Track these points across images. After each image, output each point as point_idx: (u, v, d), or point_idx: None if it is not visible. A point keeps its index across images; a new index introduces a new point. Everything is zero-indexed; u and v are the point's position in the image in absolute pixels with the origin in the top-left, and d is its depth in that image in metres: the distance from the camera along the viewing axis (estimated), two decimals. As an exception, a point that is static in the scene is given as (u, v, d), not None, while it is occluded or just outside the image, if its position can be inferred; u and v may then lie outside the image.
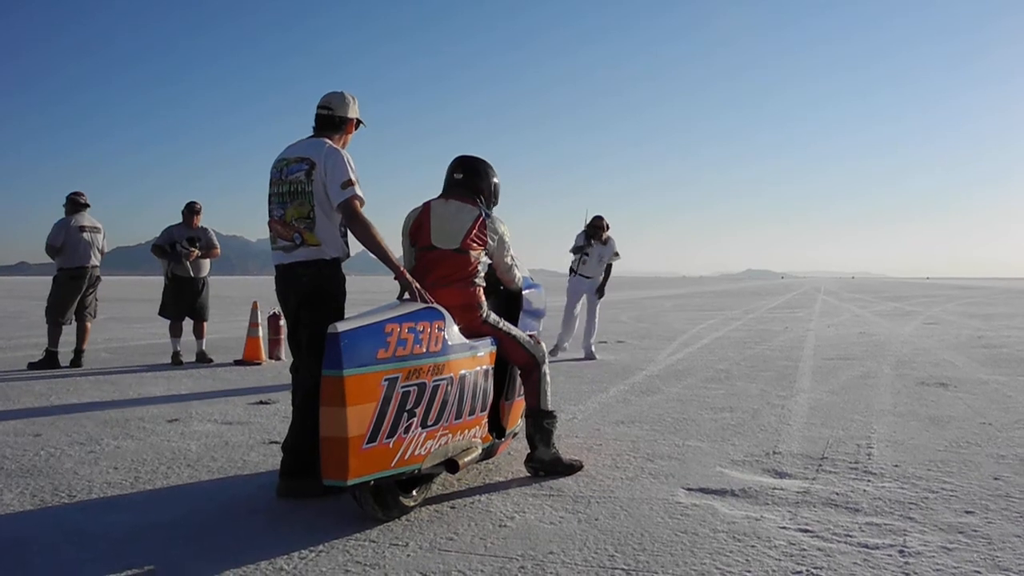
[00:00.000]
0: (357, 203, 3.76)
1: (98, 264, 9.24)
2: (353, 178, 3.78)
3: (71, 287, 8.99)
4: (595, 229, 10.22)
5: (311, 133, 4.04)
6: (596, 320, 10.25)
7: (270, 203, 3.99)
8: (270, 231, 4.00)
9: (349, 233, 3.95)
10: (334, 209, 3.80)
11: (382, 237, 3.79)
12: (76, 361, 8.98)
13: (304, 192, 3.83)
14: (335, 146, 3.91)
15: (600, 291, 10.32)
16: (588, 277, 10.28)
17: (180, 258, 9.24)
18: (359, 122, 4.18)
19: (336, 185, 3.75)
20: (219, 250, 9.74)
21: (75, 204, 9.10)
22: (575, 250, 10.40)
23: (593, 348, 10.05)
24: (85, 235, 9.03)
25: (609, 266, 10.36)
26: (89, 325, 9.28)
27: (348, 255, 3.99)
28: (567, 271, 10.56)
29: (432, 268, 3.92)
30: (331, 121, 4.03)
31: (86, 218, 9.14)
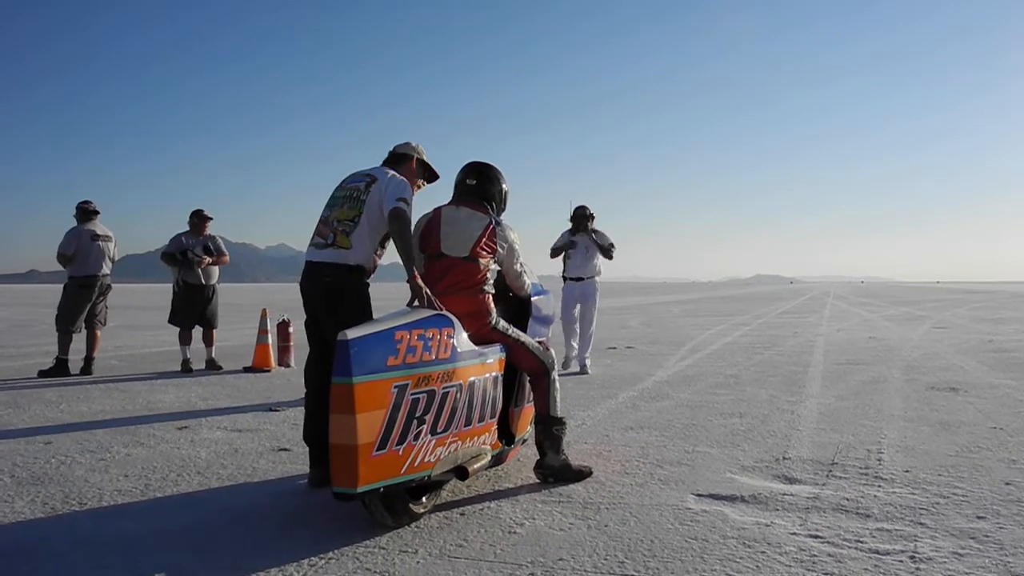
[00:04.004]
0: (408, 211, 3.94)
1: (109, 273, 9.27)
2: (409, 201, 3.97)
3: (82, 295, 9.02)
4: (579, 219, 9.21)
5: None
6: (592, 330, 9.30)
7: (323, 211, 4.21)
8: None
9: (380, 252, 4.19)
10: (384, 215, 3.94)
11: (413, 246, 3.91)
12: (86, 369, 9.02)
13: (358, 199, 4.05)
14: (401, 176, 4.16)
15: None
16: (579, 279, 9.24)
17: (191, 265, 9.27)
18: (427, 168, 4.49)
19: (393, 197, 3.93)
20: (228, 257, 9.78)
21: (85, 212, 9.14)
22: (557, 250, 9.36)
23: (588, 362, 9.13)
24: (97, 243, 9.07)
25: (611, 247, 9.23)
26: (99, 333, 9.31)
27: (373, 268, 4.15)
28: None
29: (442, 276, 3.93)
30: (394, 157, 4.39)
31: (98, 226, 9.18)
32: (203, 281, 9.41)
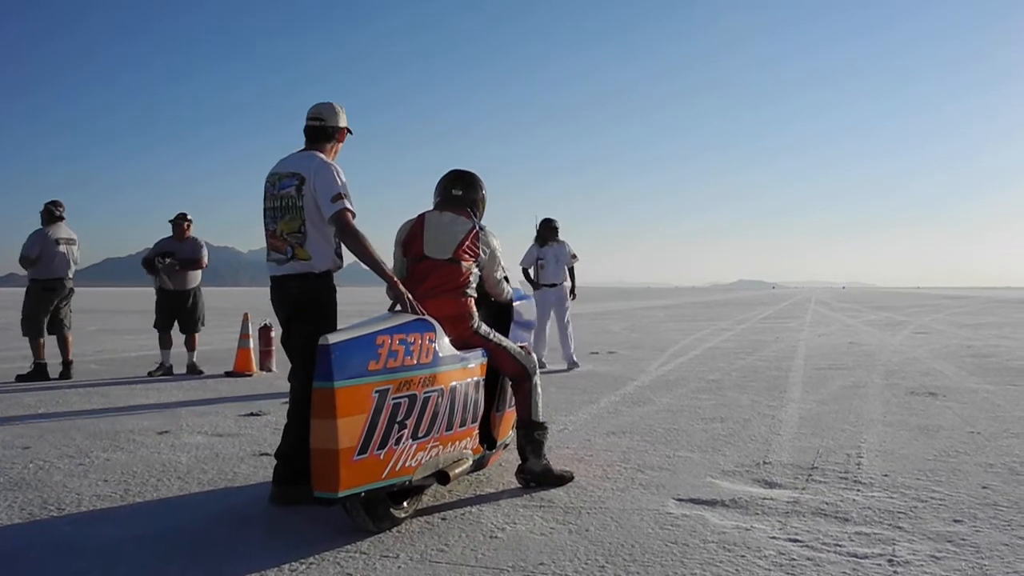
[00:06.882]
0: (348, 215, 3.82)
1: (72, 277, 9.16)
2: (343, 192, 3.84)
3: (44, 299, 8.89)
4: (548, 231, 10.00)
5: (302, 145, 4.11)
6: (570, 328, 10.10)
7: (264, 217, 4.07)
8: (266, 243, 4.07)
9: (342, 244, 4.00)
10: (326, 222, 3.86)
11: (374, 248, 3.83)
12: (65, 373, 8.93)
13: (295, 207, 3.90)
14: (325, 160, 3.97)
15: (572, 293, 10.14)
16: (552, 285, 10.00)
17: (158, 272, 9.25)
18: (348, 131, 4.25)
19: (327, 199, 3.81)
20: (205, 261, 9.66)
21: (52, 215, 9.00)
22: (526, 271, 10.13)
23: (574, 356, 9.95)
24: (61, 247, 8.92)
25: (571, 270, 10.16)
26: (69, 335, 9.18)
27: (339, 267, 4.09)
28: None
29: (424, 278, 3.94)
30: (323, 132, 4.11)
31: (63, 230, 9.03)
32: (172, 287, 9.36)
